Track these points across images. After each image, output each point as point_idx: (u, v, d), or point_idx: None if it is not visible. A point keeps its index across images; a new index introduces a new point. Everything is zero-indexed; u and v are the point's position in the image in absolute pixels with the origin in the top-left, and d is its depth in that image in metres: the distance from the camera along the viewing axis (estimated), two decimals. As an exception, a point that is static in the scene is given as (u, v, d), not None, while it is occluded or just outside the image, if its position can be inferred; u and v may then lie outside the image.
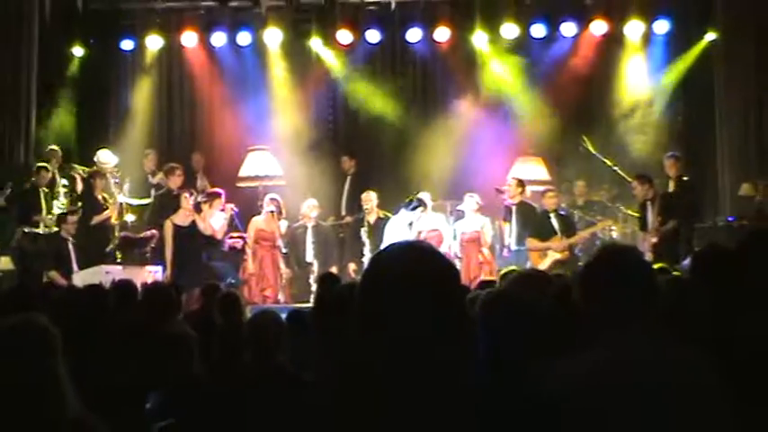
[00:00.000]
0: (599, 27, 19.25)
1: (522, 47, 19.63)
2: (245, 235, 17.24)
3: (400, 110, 19.92)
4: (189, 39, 19.75)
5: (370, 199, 17.52)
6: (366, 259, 16.05)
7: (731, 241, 11.91)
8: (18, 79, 18.37)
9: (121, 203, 17.44)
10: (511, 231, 16.94)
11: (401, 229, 16.53)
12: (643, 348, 3.68)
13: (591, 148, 18.33)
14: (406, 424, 2.77)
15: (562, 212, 16.88)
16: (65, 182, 17.57)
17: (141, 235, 17.13)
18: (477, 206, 17.05)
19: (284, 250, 17.31)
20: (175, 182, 17.32)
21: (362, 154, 19.50)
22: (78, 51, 19.51)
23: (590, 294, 3.91)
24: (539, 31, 19.35)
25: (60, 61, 19.37)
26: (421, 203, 16.85)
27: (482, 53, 19.77)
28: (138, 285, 10.40)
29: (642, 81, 19.52)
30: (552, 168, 18.67)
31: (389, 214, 17.30)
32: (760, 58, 17.51)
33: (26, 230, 16.50)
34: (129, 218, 17.67)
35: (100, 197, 17.02)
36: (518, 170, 18.13)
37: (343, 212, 18.50)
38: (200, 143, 19.98)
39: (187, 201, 16.59)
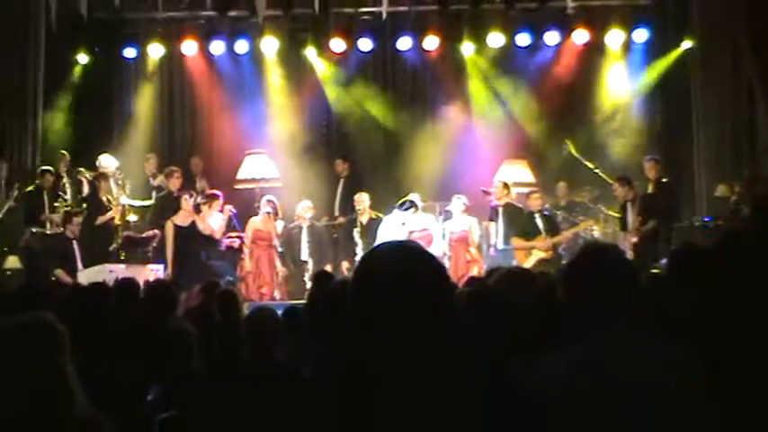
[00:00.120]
0: (581, 36, 19.28)
1: (507, 55, 19.65)
2: (242, 235, 17.25)
3: (391, 115, 19.97)
4: (189, 47, 19.75)
5: (362, 200, 17.57)
6: (359, 258, 16.06)
7: (708, 240, 11.95)
8: (25, 85, 18.35)
9: (124, 205, 17.42)
10: (497, 231, 16.97)
11: (394, 228, 16.58)
12: (625, 346, 3.67)
13: (573, 152, 18.35)
14: (397, 421, 2.76)
15: (546, 213, 16.89)
16: (67, 184, 17.56)
17: (143, 235, 17.13)
18: (464, 207, 17.12)
19: (280, 249, 17.33)
20: (175, 184, 17.34)
21: (355, 157, 19.50)
22: (83, 58, 19.49)
23: (573, 291, 3.91)
24: (523, 40, 19.37)
25: (65, 68, 19.35)
26: (413, 205, 16.90)
27: (470, 61, 19.78)
28: (141, 283, 10.41)
29: (622, 87, 19.57)
30: (536, 171, 18.68)
31: (381, 215, 17.34)
32: (734, 64, 17.53)
33: (34, 230, 16.53)
34: (132, 218, 17.65)
35: (104, 199, 17.01)
36: (504, 172, 18.15)
37: (337, 213, 18.50)
38: (199, 147, 19.98)
39: (187, 202, 16.59)
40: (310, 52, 19.79)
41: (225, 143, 19.81)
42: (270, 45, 19.54)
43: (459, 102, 19.78)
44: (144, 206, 17.99)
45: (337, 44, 19.56)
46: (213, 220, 16.82)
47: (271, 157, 18.95)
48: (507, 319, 4.89)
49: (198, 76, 20.24)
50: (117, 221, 17.10)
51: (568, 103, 19.49)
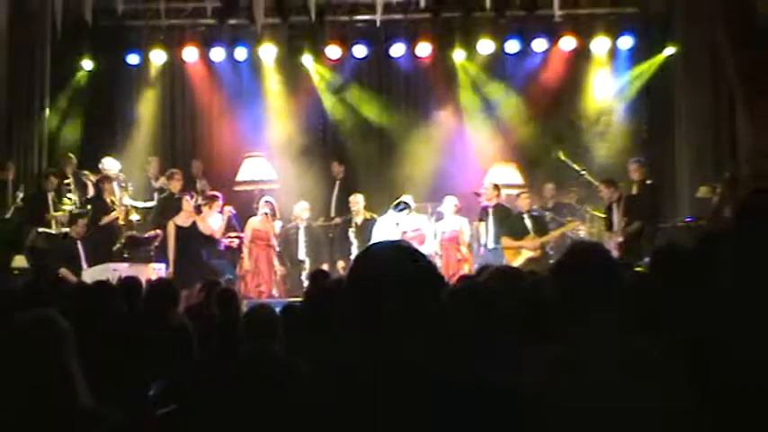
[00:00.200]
0: (568, 43, 19.29)
1: (497, 61, 19.67)
2: (241, 235, 17.25)
3: (385, 119, 20.00)
4: (190, 54, 19.76)
5: (357, 201, 17.59)
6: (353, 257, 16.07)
7: (690, 239, 11.94)
8: (32, 90, 18.38)
9: (127, 206, 17.42)
10: (487, 231, 16.97)
11: (388, 228, 16.61)
12: (607, 345, 3.67)
13: (563, 156, 18.37)
14: (390, 420, 2.76)
15: (535, 213, 16.90)
16: (72, 185, 17.58)
17: (146, 235, 17.11)
18: (455, 208, 17.16)
19: (278, 249, 17.34)
20: (176, 186, 17.35)
21: (350, 160, 19.51)
22: (87, 64, 19.49)
23: (560, 288, 3.91)
24: (513, 46, 19.38)
25: (71, 73, 19.35)
26: (407, 206, 16.94)
27: (461, 67, 19.80)
28: (143, 281, 10.41)
29: (607, 92, 19.59)
30: (525, 173, 18.69)
31: (375, 215, 17.36)
32: (715, 70, 17.56)
33: (39, 231, 16.51)
34: (134, 217, 17.65)
35: (108, 200, 17.02)
36: (494, 174, 18.15)
37: (333, 214, 18.49)
38: (200, 150, 19.99)
39: (188, 203, 16.59)
40: (307, 59, 19.79)
41: (224, 146, 19.84)
42: (268, 52, 19.56)
43: (450, 106, 19.81)
44: (146, 207, 18.00)
45: (333, 51, 19.58)
46: (213, 221, 16.82)
47: (269, 160, 18.97)
48: (490, 312, 4.90)
49: (198, 81, 20.25)
50: (120, 222, 17.10)
51: (556, 108, 19.51)
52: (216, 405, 5.84)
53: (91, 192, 17.53)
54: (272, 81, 20.01)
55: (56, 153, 18.49)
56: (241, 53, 19.73)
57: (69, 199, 17.23)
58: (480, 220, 17.18)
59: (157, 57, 19.77)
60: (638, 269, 8.18)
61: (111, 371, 5.61)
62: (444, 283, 6.22)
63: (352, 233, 17.34)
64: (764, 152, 15.58)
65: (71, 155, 17.94)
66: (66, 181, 17.46)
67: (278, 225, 17.53)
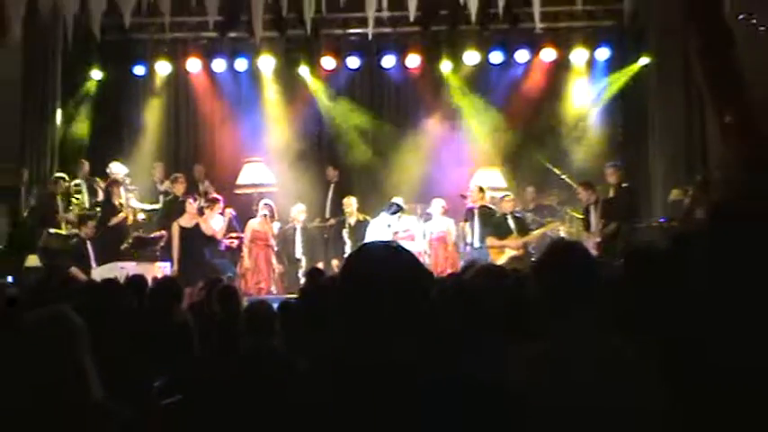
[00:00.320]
0: (548, 54, 19.31)
1: (482, 72, 19.68)
2: (241, 235, 17.25)
3: (377, 126, 20.01)
4: (193, 65, 19.76)
5: (350, 204, 17.60)
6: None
7: (663, 239, 11.94)
8: (44, 99, 18.39)
9: (134, 208, 17.42)
10: (473, 231, 16.99)
11: (381, 229, 16.65)
12: (586, 341, 3.66)
13: (544, 161, 18.41)
14: (382, 418, 2.75)
15: (518, 215, 16.91)
16: (84, 189, 17.59)
17: (152, 235, 17.08)
18: (443, 209, 17.23)
19: (276, 248, 17.34)
20: (180, 189, 17.33)
21: (344, 165, 19.51)
22: (97, 75, 19.49)
23: (543, 282, 3.91)
24: (496, 58, 19.39)
25: (81, 83, 19.34)
26: (400, 208, 16.97)
27: (447, 77, 19.81)
28: (149, 279, 10.40)
29: (585, 100, 19.62)
30: (508, 176, 18.72)
31: (368, 217, 17.38)
32: (687, 79, 17.59)
33: (51, 231, 16.50)
34: (140, 216, 17.65)
35: (117, 203, 17.00)
36: (479, 178, 18.18)
37: (328, 215, 18.49)
38: (202, 155, 19.98)
39: (191, 206, 16.61)
40: (303, 70, 19.80)
41: (225, 152, 19.84)
42: (266, 63, 19.56)
43: (438, 114, 19.82)
44: (152, 209, 17.97)
45: (328, 62, 19.59)
46: (215, 222, 16.80)
47: (267, 165, 19.01)
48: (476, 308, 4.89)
49: (201, 91, 20.25)
50: (129, 222, 17.10)
51: (537, 115, 19.51)
52: (217, 397, 5.83)
53: (100, 196, 17.51)
54: (271, 90, 20.01)
55: (66, 158, 18.46)
56: (241, 64, 19.74)
57: (77, 200, 17.22)
58: (466, 220, 17.21)
59: (162, 68, 19.77)
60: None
61: (119, 364, 5.59)
62: (433, 282, 6.21)
63: (345, 233, 17.35)
64: (731, 162, 15.62)
65: (84, 160, 17.94)
66: (75, 182, 17.46)
67: (276, 226, 17.54)
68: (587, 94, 19.63)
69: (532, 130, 19.33)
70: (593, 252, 14.33)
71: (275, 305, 7.15)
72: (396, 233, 16.61)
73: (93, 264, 16.00)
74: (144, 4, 16.96)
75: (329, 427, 2.80)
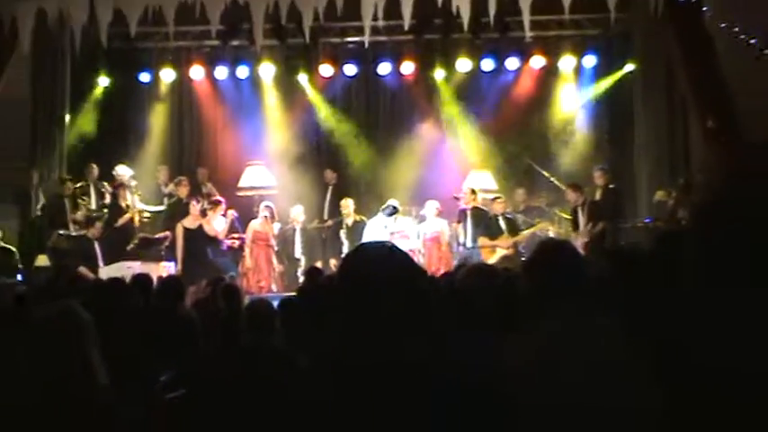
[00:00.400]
0: (538, 61, 19.32)
1: (474, 78, 19.69)
2: (243, 236, 17.25)
3: (373, 131, 20.04)
4: (196, 72, 19.76)
5: (347, 205, 17.61)
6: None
7: (648, 239, 11.94)
8: (53, 105, 18.38)
9: (140, 209, 17.41)
10: (465, 231, 17.02)
11: (378, 230, 16.68)
12: (576, 332, 3.66)
13: (533, 164, 18.45)
14: (378, 416, 2.74)
15: (508, 216, 16.93)
16: (92, 191, 17.59)
17: (157, 236, 17.08)
18: (437, 211, 17.27)
19: (276, 248, 17.35)
20: (183, 191, 17.38)
21: (342, 168, 19.51)
22: (104, 81, 19.48)
23: (533, 279, 3.91)
24: (488, 65, 19.39)
25: (89, 90, 19.35)
26: (396, 210, 16.99)
27: (441, 84, 19.83)
28: (154, 278, 10.40)
29: (573, 105, 19.63)
30: (499, 179, 18.73)
31: (364, 218, 17.39)
32: (670, 85, 17.63)
33: (60, 233, 16.51)
34: (146, 213, 17.67)
35: (123, 205, 17.02)
36: (471, 180, 18.20)
37: (326, 217, 18.47)
38: (205, 159, 19.96)
39: (195, 207, 16.66)
40: (302, 76, 19.81)
41: (228, 155, 19.85)
42: (267, 70, 19.56)
43: (432, 119, 19.83)
44: (157, 211, 17.96)
45: (326, 69, 19.59)
46: (217, 223, 16.81)
47: (268, 168, 19.01)
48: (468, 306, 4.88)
49: (204, 97, 20.25)
50: (135, 223, 17.10)
51: (526, 120, 19.52)
52: (219, 391, 5.82)
53: (107, 199, 17.51)
54: (271, 97, 20.01)
55: (74, 161, 18.45)
56: (242, 71, 19.73)
57: (83, 200, 17.21)
58: (459, 221, 17.24)
59: (167, 75, 19.76)
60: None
61: (126, 359, 5.59)
62: (427, 280, 6.20)
63: (343, 234, 17.35)
64: (713, 165, 15.65)
65: (93, 164, 17.93)
66: (80, 184, 17.44)
67: (276, 227, 17.55)
68: (575, 100, 19.65)
69: (522, 135, 19.34)
70: (581, 251, 14.35)
71: (275, 303, 7.15)
72: (392, 234, 16.61)
73: (101, 263, 16.02)
74: (149, 14, 16.91)
75: (328, 423, 2.79)
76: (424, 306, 2.98)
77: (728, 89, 15.63)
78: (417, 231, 17.23)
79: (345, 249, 16.65)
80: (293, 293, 11.86)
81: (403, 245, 14.27)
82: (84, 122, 19.12)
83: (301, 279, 15.39)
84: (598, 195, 16.59)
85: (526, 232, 16.83)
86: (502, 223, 16.64)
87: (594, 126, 19.55)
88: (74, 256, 15.92)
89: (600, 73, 19.50)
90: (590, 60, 19.38)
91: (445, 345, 3.27)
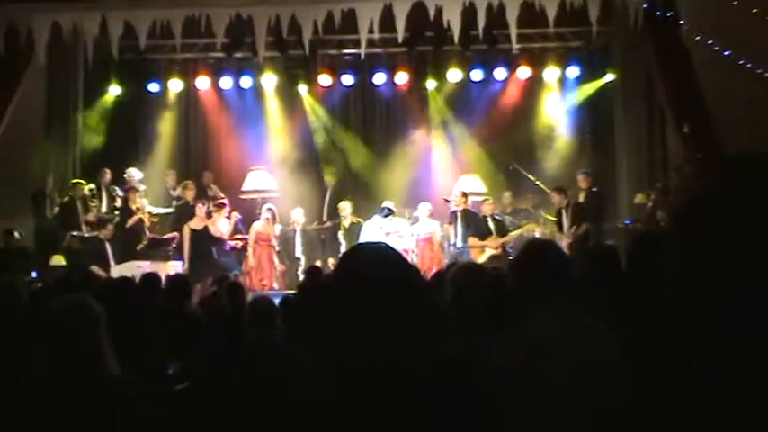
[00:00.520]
0: (524, 72, 19.31)
1: (464, 88, 19.69)
2: (246, 236, 17.25)
3: (369, 137, 20.06)
4: (202, 82, 19.72)
5: (345, 208, 17.59)
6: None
7: (628, 239, 11.94)
8: (67, 113, 18.37)
9: (149, 212, 17.40)
10: (456, 232, 17.05)
11: (374, 231, 16.68)
12: (561, 327, 3.65)
13: (519, 168, 18.46)
14: (375, 414, 2.72)
15: (497, 217, 16.93)
16: (104, 195, 17.60)
17: (165, 237, 17.08)
18: (429, 212, 17.29)
19: (278, 248, 17.34)
20: (189, 195, 17.39)
21: (339, 172, 19.51)
22: (115, 91, 19.44)
23: (520, 278, 3.90)
24: (477, 75, 19.37)
25: (100, 99, 19.32)
26: (391, 212, 17.00)
27: (433, 93, 19.84)
28: (163, 276, 10.39)
29: (557, 113, 19.64)
30: (488, 182, 18.74)
31: (361, 220, 17.37)
32: (648, 94, 17.66)
33: (74, 234, 16.51)
34: (155, 215, 17.67)
35: (134, 207, 17.01)
36: (461, 184, 18.20)
37: (325, 218, 18.47)
38: (210, 164, 19.94)
39: (200, 210, 16.67)
40: (302, 86, 19.81)
41: (232, 161, 19.83)
42: (269, 80, 19.53)
43: (424, 126, 19.85)
44: (165, 213, 17.95)
45: (324, 79, 19.57)
46: (222, 225, 16.80)
47: (270, 173, 19.00)
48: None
49: (210, 106, 20.24)
50: (146, 224, 17.10)
51: (513, 127, 19.53)
52: (224, 383, 5.81)
53: (118, 202, 17.52)
54: (273, 105, 20.00)
55: (87, 166, 18.44)
56: (246, 82, 19.70)
57: (93, 202, 17.19)
58: (450, 223, 17.27)
59: (174, 85, 19.73)
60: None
61: (136, 352, 5.58)
62: (420, 277, 6.19)
63: (341, 235, 17.34)
64: (689, 169, 15.69)
65: (106, 169, 17.93)
66: (90, 187, 17.43)
67: (278, 228, 17.53)
68: (559, 108, 19.66)
69: (509, 141, 19.34)
70: (566, 251, 14.33)
71: (277, 300, 7.14)
72: (387, 234, 16.61)
73: (112, 262, 16.02)
74: (158, 28, 16.94)
75: (327, 420, 2.77)
76: (418, 304, 2.97)
77: (704, 98, 15.67)
78: (411, 232, 17.22)
79: (343, 249, 16.63)
80: (294, 291, 11.89)
81: (397, 245, 14.34)
82: (97, 130, 19.09)
83: (301, 277, 15.38)
84: (582, 198, 16.61)
85: (513, 233, 16.83)
86: (490, 224, 16.64)
87: (577, 132, 19.57)
88: (86, 256, 15.94)
89: (582, 83, 19.51)
90: (573, 71, 19.39)
91: (440, 343, 3.25)
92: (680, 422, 2.13)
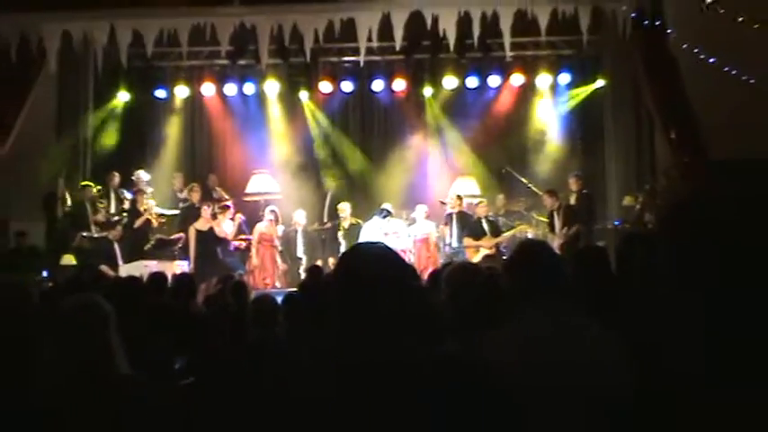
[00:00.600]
0: (517, 79, 19.31)
1: (459, 94, 19.69)
2: (249, 237, 17.26)
3: (367, 142, 20.08)
4: (208, 89, 19.72)
5: (344, 209, 17.61)
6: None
7: (617, 239, 11.94)
8: (77, 117, 18.41)
9: (158, 213, 17.39)
10: (451, 233, 17.07)
11: (373, 231, 16.72)
12: (553, 324, 3.65)
13: (513, 172, 18.47)
14: (373, 414, 2.71)
15: (491, 219, 16.96)
16: (113, 197, 17.61)
17: (171, 237, 17.08)
18: (426, 214, 17.30)
19: (280, 248, 17.34)
20: (195, 197, 17.39)
21: (339, 175, 19.52)
22: (124, 97, 19.46)
23: (513, 276, 3.90)
24: (472, 82, 19.37)
25: (110, 104, 19.33)
26: (389, 213, 17.03)
27: (429, 99, 19.85)
28: (169, 275, 10.40)
29: (549, 118, 19.65)
30: (482, 185, 18.76)
31: (360, 221, 17.38)
32: (637, 100, 17.68)
33: (84, 234, 16.51)
34: (161, 215, 17.67)
35: (142, 209, 17.01)
36: (457, 187, 18.25)
37: (325, 220, 18.47)
38: (215, 167, 19.94)
39: (206, 211, 16.69)
40: (303, 93, 19.82)
41: (236, 164, 19.84)
42: (271, 87, 19.53)
43: (421, 131, 19.86)
44: (172, 214, 17.95)
45: (325, 86, 19.57)
46: (226, 226, 16.81)
47: (272, 176, 19.04)
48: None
49: (214, 111, 20.24)
50: (154, 225, 17.10)
51: (507, 132, 19.56)
52: (228, 377, 5.82)
53: (126, 205, 17.52)
54: (275, 111, 20.01)
55: (97, 169, 18.45)
56: (249, 88, 19.71)
57: (102, 203, 17.18)
58: (446, 224, 17.30)
59: (181, 91, 19.73)
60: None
61: (143, 348, 5.58)
62: (417, 277, 6.20)
63: (340, 235, 17.34)
64: (675, 172, 15.69)
65: (115, 173, 17.94)
66: (97, 188, 17.42)
67: (280, 229, 17.55)
68: (550, 113, 19.67)
69: (503, 145, 19.36)
70: (558, 251, 14.35)
71: (279, 298, 7.15)
72: (385, 234, 16.64)
73: (120, 262, 16.03)
74: (164, 36, 16.94)
75: (327, 419, 2.77)
76: (415, 304, 2.97)
77: (690, 105, 15.68)
78: (408, 233, 17.23)
79: (342, 249, 16.64)
80: (295, 289, 11.91)
81: (395, 245, 14.39)
82: (106, 134, 19.10)
83: (303, 276, 15.38)
84: (573, 200, 16.63)
85: (507, 234, 16.85)
86: (485, 225, 16.67)
87: (568, 137, 19.57)
88: (96, 255, 15.95)
89: (573, 90, 19.52)
90: (564, 78, 19.39)
91: (438, 342, 3.24)
92: (674, 422, 2.12)
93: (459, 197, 17.36)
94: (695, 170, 15.34)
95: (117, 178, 17.91)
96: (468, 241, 16.65)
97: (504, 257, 14.26)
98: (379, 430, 2.69)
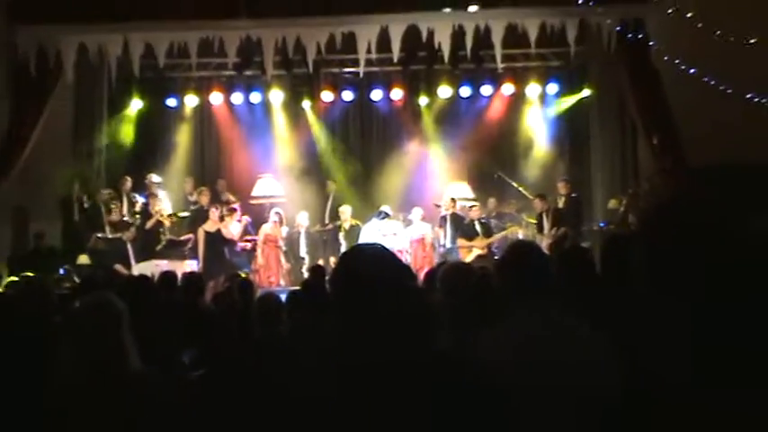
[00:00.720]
0: (508, 89, 19.30)
1: (453, 103, 19.69)
2: (255, 238, 17.26)
3: (367, 148, 20.10)
4: (216, 98, 19.71)
5: (345, 212, 17.64)
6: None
7: (602, 240, 11.96)
8: (93, 125, 18.41)
9: (167, 215, 17.38)
10: (445, 234, 17.09)
11: (372, 232, 16.74)
12: (543, 323, 3.64)
13: (504, 176, 18.48)
14: (373, 414, 2.69)
15: (483, 220, 16.96)
16: (126, 201, 17.60)
17: (181, 238, 17.08)
18: (421, 216, 17.31)
19: (284, 249, 17.33)
20: (204, 200, 17.40)
21: (340, 179, 19.51)
22: (137, 105, 19.46)
23: (504, 276, 3.90)
24: (465, 92, 19.36)
25: (123, 113, 19.32)
26: (387, 215, 17.05)
27: (425, 108, 19.86)
28: (179, 274, 10.39)
29: (538, 125, 19.65)
30: (475, 189, 18.75)
31: (360, 223, 17.40)
32: (621, 109, 17.70)
33: (98, 236, 16.51)
34: (171, 215, 17.66)
35: (154, 211, 17.03)
36: (451, 190, 18.24)
37: (327, 221, 18.45)
38: (223, 172, 19.93)
39: (214, 214, 16.72)
40: (306, 101, 19.81)
41: (242, 169, 19.80)
42: (276, 96, 19.52)
43: (417, 138, 19.84)
44: (183, 216, 17.94)
45: (326, 95, 19.55)
46: (233, 227, 16.82)
47: (277, 180, 19.03)
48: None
49: (222, 119, 20.23)
50: (166, 226, 17.10)
51: (498, 138, 19.56)
52: (235, 371, 5.81)
53: (138, 208, 17.51)
54: (280, 119, 20.00)
55: (110, 173, 18.44)
56: (255, 97, 19.71)
57: (115, 205, 17.16)
58: (440, 225, 17.33)
59: (190, 100, 19.71)
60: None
61: (154, 343, 5.57)
62: (413, 277, 6.20)
63: (341, 236, 17.36)
64: (657, 177, 15.72)
65: (127, 177, 17.93)
66: (109, 191, 17.40)
67: (284, 230, 17.54)
68: (539, 121, 19.68)
69: (495, 151, 19.37)
70: (546, 252, 14.34)
71: (283, 296, 7.15)
72: (383, 235, 16.64)
73: (133, 262, 16.03)
74: (175, 48, 16.94)
75: (328, 419, 2.75)
76: (412, 303, 2.96)
77: (672, 113, 15.71)
78: (405, 234, 17.25)
79: (343, 249, 16.64)
80: (298, 288, 11.92)
81: (392, 245, 14.43)
82: (120, 141, 19.09)
83: (306, 275, 15.38)
84: (561, 203, 16.65)
85: (498, 235, 16.86)
86: (477, 227, 16.69)
87: (556, 144, 19.57)
88: (110, 255, 15.96)
89: (561, 99, 19.54)
90: (552, 88, 19.39)
91: (436, 341, 3.22)
92: (655, 423, 2.11)
93: (452, 200, 17.40)
94: (676, 175, 15.39)
95: (129, 182, 17.88)
96: (461, 242, 16.68)
97: (496, 257, 14.26)
98: (380, 430, 2.68)
